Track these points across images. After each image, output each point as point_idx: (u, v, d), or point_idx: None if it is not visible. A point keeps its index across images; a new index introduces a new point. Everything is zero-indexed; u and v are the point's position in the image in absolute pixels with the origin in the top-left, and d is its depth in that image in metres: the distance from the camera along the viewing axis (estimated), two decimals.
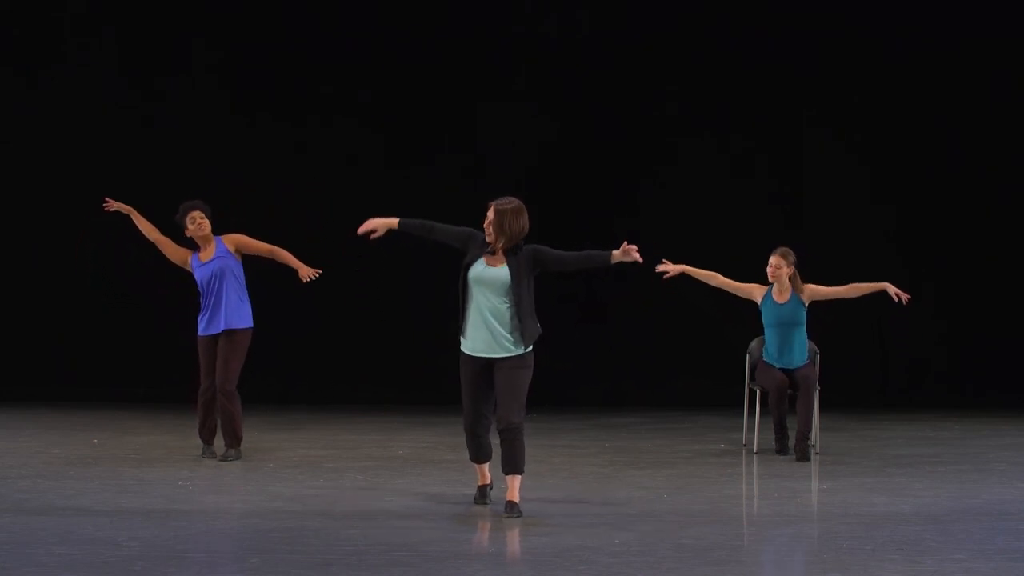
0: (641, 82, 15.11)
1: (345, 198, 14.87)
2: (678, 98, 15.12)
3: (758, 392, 11.36)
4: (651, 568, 6.93)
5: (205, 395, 10.51)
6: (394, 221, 8.67)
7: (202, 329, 10.51)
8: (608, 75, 15.11)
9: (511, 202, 8.34)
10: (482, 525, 8.23)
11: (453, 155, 15.08)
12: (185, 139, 14.94)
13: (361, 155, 15.08)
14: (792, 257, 11.09)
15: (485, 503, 8.69)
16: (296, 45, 15.07)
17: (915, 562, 7.08)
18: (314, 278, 10.51)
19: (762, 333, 11.26)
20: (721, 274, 11.17)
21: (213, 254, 10.47)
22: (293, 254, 10.65)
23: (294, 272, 10.62)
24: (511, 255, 8.33)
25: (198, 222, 10.47)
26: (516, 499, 8.36)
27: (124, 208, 10.74)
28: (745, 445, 11.45)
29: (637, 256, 8.33)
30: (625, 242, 8.35)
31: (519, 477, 8.40)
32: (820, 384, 11.13)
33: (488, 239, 8.34)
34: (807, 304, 11.08)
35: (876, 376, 15.14)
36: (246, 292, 10.55)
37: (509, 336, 8.30)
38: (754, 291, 11.19)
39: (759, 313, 11.21)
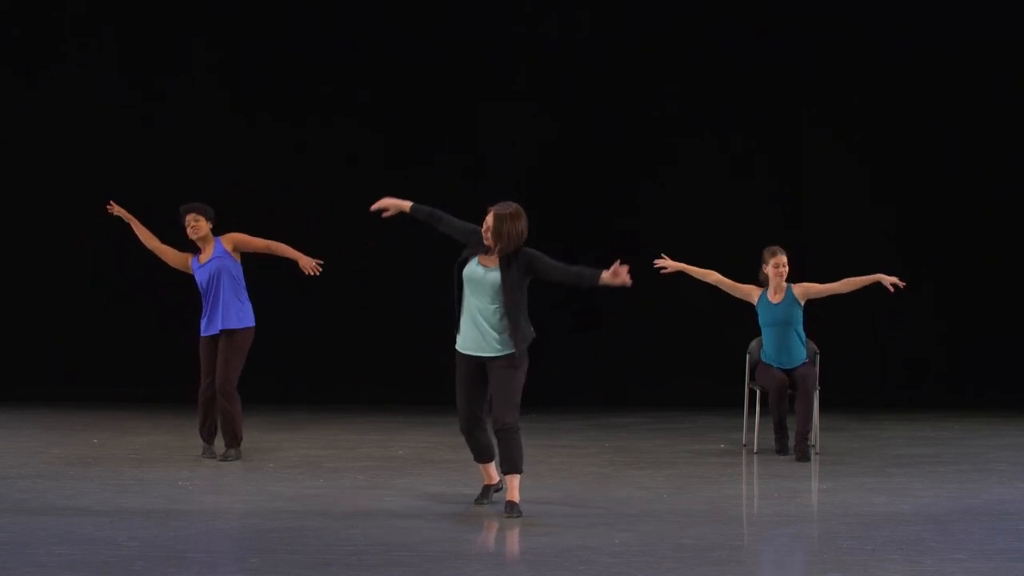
0: (641, 82, 15.11)
1: (345, 198, 14.84)
2: (678, 98, 15.12)
3: (758, 392, 11.36)
4: (651, 568, 6.93)
5: (204, 395, 10.52)
6: (407, 204, 8.70)
7: (202, 330, 10.52)
8: (608, 75, 15.11)
9: (510, 207, 8.32)
10: (484, 525, 8.22)
11: (453, 155, 15.08)
12: (185, 139, 14.94)
13: (361, 155, 15.08)
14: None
15: (483, 503, 8.67)
16: (296, 45, 15.07)
17: (915, 562, 7.08)
18: (317, 272, 10.47)
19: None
20: (719, 274, 11.19)
21: (211, 255, 10.47)
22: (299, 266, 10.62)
23: (294, 272, 10.61)
24: (505, 258, 8.30)
25: (192, 225, 10.47)
26: (516, 499, 8.35)
27: (126, 216, 10.74)
28: (745, 445, 11.45)
29: (626, 279, 8.23)
30: (618, 262, 8.26)
31: (518, 476, 8.39)
32: (820, 384, 11.13)
33: (486, 242, 8.33)
34: (803, 303, 11.08)
35: (875, 376, 15.15)
36: (245, 292, 10.54)
37: (498, 337, 8.29)
38: (752, 292, 11.19)
39: (757, 314, 11.23)
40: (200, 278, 10.50)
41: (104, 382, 14.81)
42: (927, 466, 10.56)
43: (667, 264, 11.01)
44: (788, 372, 11.09)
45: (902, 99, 15.02)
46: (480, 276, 8.31)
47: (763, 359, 11.23)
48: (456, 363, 8.46)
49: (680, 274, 11.23)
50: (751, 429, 11.36)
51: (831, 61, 15.00)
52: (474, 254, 8.37)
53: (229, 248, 10.46)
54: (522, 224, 8.30)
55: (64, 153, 15.02)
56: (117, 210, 10.76)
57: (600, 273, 8.30)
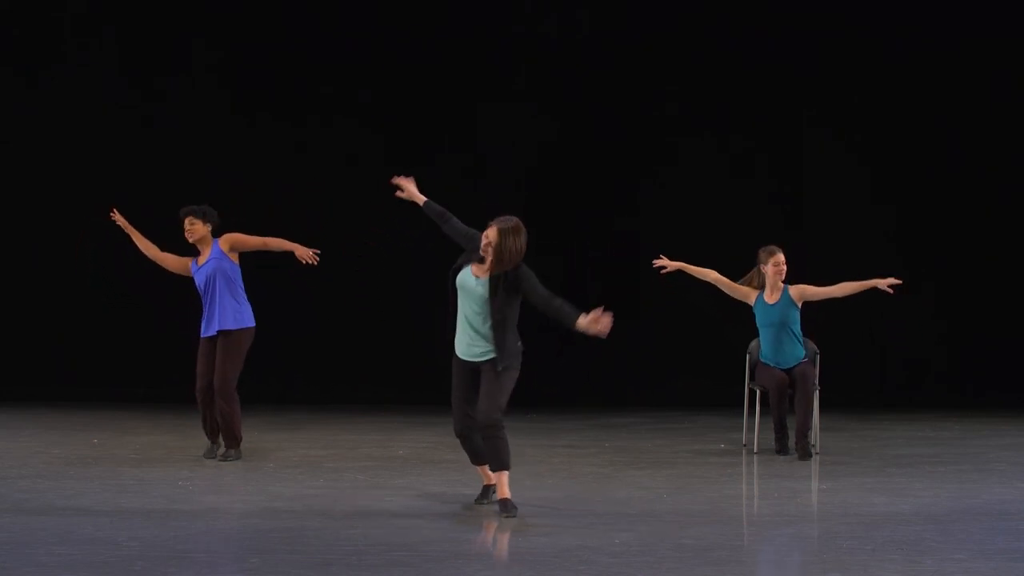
0: (641, 82, 15.11)
1: (345, 198, 14.88)
2: (678, 98, 15.12)
3: (758, 392, 11.36)
4: (651, 568, 6.93)
5: (200, 393, 10.52)
6: (421, 199, 8.83)
7: (202, 332, 10.53)
8: (608, 75, 15.12)
9: (511, 221, 8.28)
10: (484, 525, 8.22)
11: (453, 155, 15.08)
12: (185, 139, 14.94)
13: (361, 155, 15.08)
14: None
15: (483, 503, 8.67)
16: (296, 45, 15.07)
17: (915, 562, 7.08)
18: (314, 261, 10.44)
19: None
20: (718, 273, 11.20)
21: (208, 257, 10.48)
22: (293, 255, 10.60)
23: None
24: (497, 271, 8.28)
25: (188, 228, 10.48)
26: (507, 495, 8.33)
27: (126, 226, 10.76)
28: (745, 445, 11.45)
29: (604, 329, 8.11)
30: (600, 309, 8.16)
31: (506, 473, 8.37)
32: (820, 384, 11.13)
33: (483, 254, 8.31)
34: (799, 305, 11.08)
35: (875, 376, 15.15)
36: (242, 292, 10.51)
37: (488, 343, 8.31)
38: (749, 293, 11.19)
39: (754, 315, 11.23)
40: (198, 280, 10.51)
41: (104, 382, 14.81)
42: (927, 466, 10.56)
43: (666, 264, 11.05)
44: (787, 371, 11.09)
45: (902, 99, 15.02)
46: (471, 286, 8.33)
47: (761, 359, 11.24)
48: (452, 366, 8.51)
49: (680, 274, 11.24)
50: (751, 429, 11.35)
51: (831, 61, 15.00)
52: (468, 261, 8.38)
53: (226, 249, 10.45)
54: (522, 240, 8.26)
55: (64, 153, 15.02)
56: (119, 219, 10.77)
57: (579, 316, 8.17)
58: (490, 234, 8.26)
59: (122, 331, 14.90)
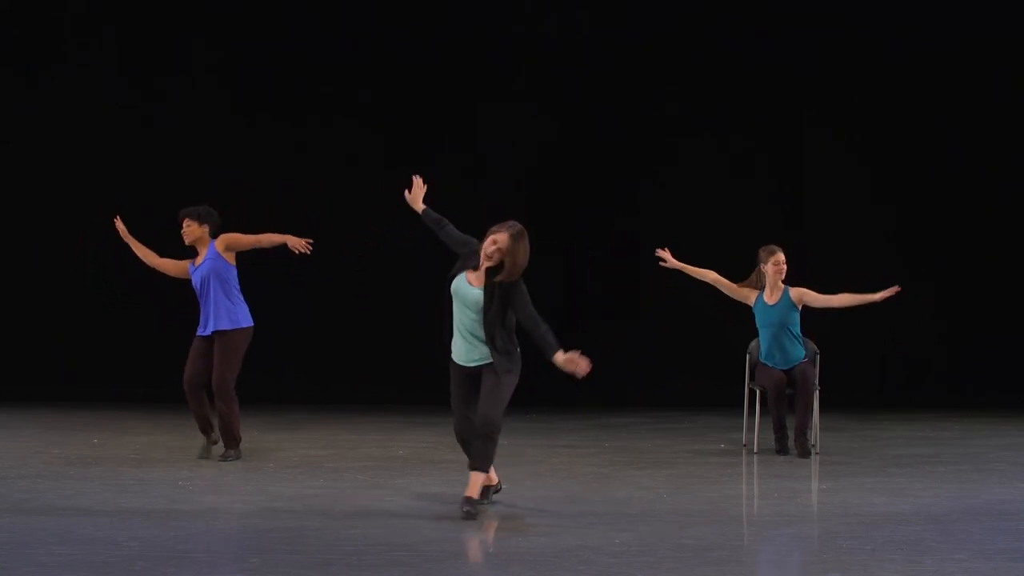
0: (641, 82, 15.11)
1: (345, 198, 14.89)
2: (678, 98, 15.13)
3: (758, 392, 11.36)
4: (651, 568, 6.93)
5: (187, 385, 10.52)
6: (420, 207, 8.81)
7: (198, 332, 10.55)
8: (608, 75, 15.12)
9: (516, 226, 8.22)
10: (485, 525, 8.22)
11: (453, 155, 15.08)
12: (185, 139, 14.94)
13: (361, 155, 15.09)
14: None
15: (483, 503, 8.65)
16: (296, 45, 15.08)
17: (915, 562, 7.08)
18: (307, 250, 10.41)
19: None
20: (717, 273, 11.21)
21: (204, 258, 10.49)
22: (292, 254, 10.59)
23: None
24: (492, 277, 8.21)
25: (184, 230, 10.51)
26: (475, 495, 8.25)
27: (126, 237, 10.78)
28: (745, 445, 11.45)
29: (580, 370, 8.02)
30: (579, 353, 8.07)
31: (482, 475, 8.31)
32: (820, 384, 11.13)
33: (486, 260, 8.22)
34: (799, 307, 11.08)
35: (875, 376, 15.15)
36: (236, 292, 10.49)
37: (484, 349, 8.27)
38: (749, 294, 11.19)
39: (754, 315, 11.23)
40: (194, 281, 10.53)
41: (104, 382, 14.82)
42: (927, 466, 10.56)
43: (667, 259, 11.05)
44: (787, 371, 11.10)
45: (902, 99, 15.02)
46: (465, 292, 8.29)
47: (761, 359, 11.24)
48: (449, 371, 8.48)
49: (680, 273, 11.24)
50: (751, 429, 11.35)
51: (831, 61, 15.00)
52: (463, 268, 8.34)
53: (221, 250, 10.45)
54: (527, 244, 8.24)
55: (64, 153, 15.02)
56: (120, 229, 10.79)
57: (558, 351, 8.07)
58: (500, 239, 8.17)
59: (122, 331, 14.90)
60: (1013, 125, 14.95)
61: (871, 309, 11.06)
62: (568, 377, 8.16)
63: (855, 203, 15.06)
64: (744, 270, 11.30)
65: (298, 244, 10.41)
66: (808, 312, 11.16)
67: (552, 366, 8.14)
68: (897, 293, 10.93)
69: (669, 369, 14.94)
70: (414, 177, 8.87)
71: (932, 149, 15.01)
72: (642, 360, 14.92)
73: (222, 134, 14.98)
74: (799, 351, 11.12)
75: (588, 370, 8.05)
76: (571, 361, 8.06)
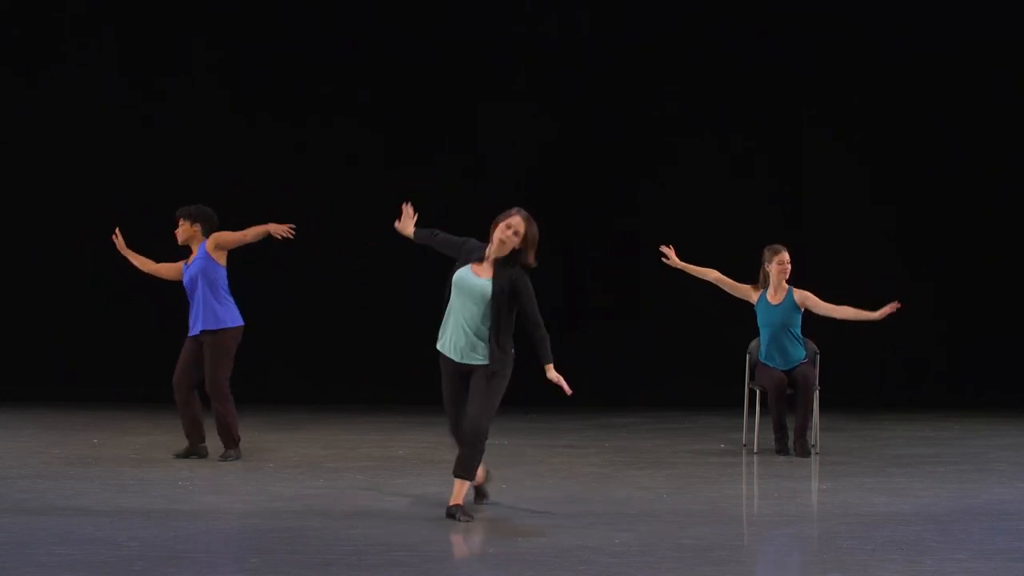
0: (641, 82, 15.12)
1: (345, 198, 14.89)
2: (678, 98, 15.13)
3: (758, 392, 11.36)
4: (651, 568, 6.93)
5: (175, 387, 10.54)
6: (411, 231, 8.64)
7: (189, 333, 10.57)
8: (608, 75, 15.12)
9: (523, 211, 8.20)
10: (484, 526, 8.22)
11: (453, 155, 15.09)
12: (185, 139, 14.94)
13: (361, 155, 15.09)
14: None
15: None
16: (296, 45, 15.08)
17: (915, 562, 7.08)
18: (290, 235, 10.37)
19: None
20: (719, 272, 11.22)
21: (194, 258, 10.50)
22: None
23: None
24: (500, 269, 8.15)
25: (177, 229, 10.52)
26: (460, 502, 8.17)
27: (123, 250, 10.81)
28: (745, 445, 11.45)
29: (565, 390, 8.06)
30: (564, 382, 8.06)
31: (467, 484, 8.19)
32: (820, 384, 11.13)
33: (502, 247, 8.14)
34: (802, 309, 11.08)
35: (875, 376, 15.15)
36: (224, 293, 10.46)
37: (483, 346, 8.15)
38: (751, 292, 11.20)
39: (756, 314, 11.23)
40: (185, 281, 10.55)
41: (104, 382, 14.81)
42: (927, 466, 10.56)
43: (671, 256, 11.06)
44: (787, 372, 11.10)
45: (902, 99, 15.02)
46: (471, 284, 8.16)
47: (761, 359, 11.24)
48: (440, 366, 8.32)
49: (680, 273, 11.25)
50: (751, 429, 11.35)
51: (831, 61, 15.00)
52: (467, 262, 8.24)
53: (211, 249, 10.44)
54: (536, 227, 8.23)
55: (64, 153, 15.02)
56: (119, 245, 10.82)
57: (548, 364, 8.12)
58: (514, 223, 8.11)
59: (122, 331, 14.90)
60: (1013, 125, 14.96)
61: (871, 309, 11.06)
62: (568, 377, 8.16)
63: (855, 203, 15.06)
64: (744, 270, 11.30)
65: (280, 230, 10.37)
66: (809, 313, 11.15)
67: (554, 364, 8.13)
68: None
69: (669, 369, 14.94)
70: (404, 206, 8.74)
71: (932, 149, 15.01)
72: (642, 360, 14.92)
73: (222, 134, 14.98)
74: (799, 352, 11.13)
75: (569, 393, 8.06)
76: (559, 380, 8.09)
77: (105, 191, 14.75)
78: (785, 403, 11.03)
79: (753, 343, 11.38)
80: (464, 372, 8.25)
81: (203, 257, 10.43)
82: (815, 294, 11.09)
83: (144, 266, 10.86)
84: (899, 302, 10.87)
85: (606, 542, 7.50)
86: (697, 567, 6.98)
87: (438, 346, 8.31)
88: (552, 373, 8.13)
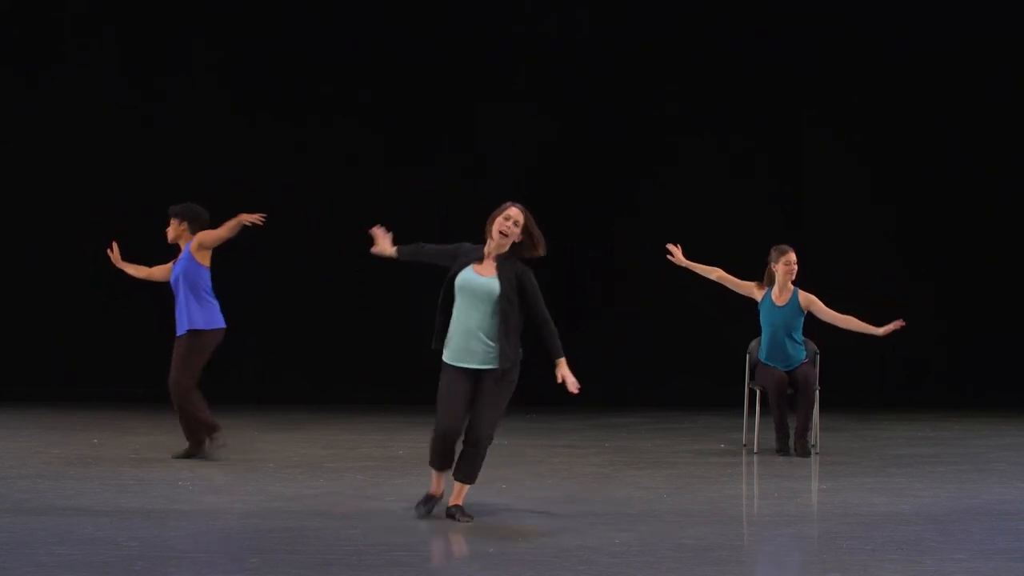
0: (641, 82, 15.11)
1: (345, 198, 14.87)
2: (678, 98, 15.13)
3: (758, 392, 11.36)
4: (651, 568, 6.93)
5: (169, 388, 10.55)
6: (391, 250, 8.60)
7: (176, 331, 10.61)
8: (608, 75, 15.12)
9: (517, 203, 8.18)
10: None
11: (453, 155, 15.08)
12: (185, 139, 14.94)
13: (361, 155, 15.08)
14: None
15: (429, 514, 8.22)
16: (296, 45, 15.07)
17: (915, 562, 7.08)
18: (260, 222, 10.34)
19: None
20: (723, 270, 11.22)
21: (179, 258, 10.51)
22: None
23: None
24: (502, 266, 8.09)
25: (167, 229, 10.53)
26: (460, 502, 8.13)
27: (119, 263, 10.84)
28: (745, 445, 11.45)
29: (571, 388, 8.03)
30: (575, 383, 8.05)
31: (468, 487, 8.16)
32: (820, 384, 11.13)
33: (504, 239, 8.08)
34: (805, 312, 11.07)
35: (875, 376, 15.15)
36: (206, 294, 10.43)
37: (492, 347, 8.03)
38: (754, 289, 11.20)
39: (759, 312, 11.22)
40: (171, 280, 10.56)
41: (104, 382, 14.81)
42: (927, 466, 10.56)
43: (676, 255, 11.05)
44: (788, 372, 11.09)
45: (902, 99, 15.02)
46: (476, 284, 8.06)
47: (761, 359, 11.24)
48: (442, 372, 8.17)
49: (680, 273, 11.24)
50: (751, 429, 11.35)
51: (831, 61, 15.00)
52: (466, 263, 8.14)
53: (194, 249, 10.43)
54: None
55: (64, 153, 15.01)
56: (115, 259, 10.84)
57: (559, 359, 8.07)
58: (513, 213, 8.07)
59: (122, 331, 14.89)
60: (1013, 125, 14.96)
61: (871, 309, 11.07)
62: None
63: (855, 203, 15.06)
64: (745, 270, 11.30)
65: (250, 218, 10.33)
66: (811, 315, 11.15)
67: (550, 367, 8.12)
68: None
69: (669, 369, 14.94)
70: (372, 230, 8.68)
71: (932, 149, 15.01)
72: (642, 360, 14.91)
73: (222, 134, 14.97)
74: (800, 353, 11.13)
75: (576, 390, 8.02)
76: (568, 377, 8.04)
77: (105, 191, 14.75)
78: (785, 403, 11.03)
79: (753, 343, 11.38)
80: (473, 375, 8.09)
81: (186, 258, 10.45)
82: (816, 295, 11.09)
83: (139, 273, 10.89)
84: (903, 320, 10.86)
85: (606, 542, 7.50)
86: (697, 567, 6.98)
87: (445, 357, 8.16)
88: (563, 368, 8.06)
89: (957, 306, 15.09)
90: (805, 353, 11.15)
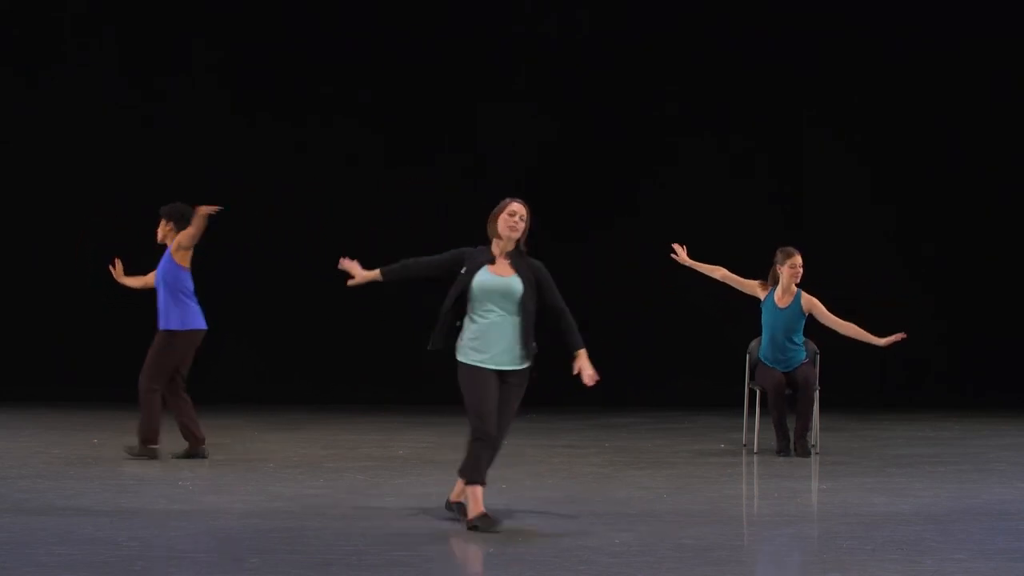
0: (641, 82, 15.11)
1: (345, 198, 14.88)
2: (678, 98, 15.13)
3: (758, 392, 11.36)
4: (651, 568, 6.93)
5: (166, 393, 10.55)
6: (375, 273, 8.43)
7: None
8: (608, 75, 15.12)
9: (514, 198, 8.17)
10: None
11: (453, 155, 15.08)
12: (185, 139, 14.94)
13: (361, 155, 15.08)
14: None
15: (498, 525, 7.98)
16: (296, 45, 15.07)
17: (915, 562, 7.08)
18: (213, 212, 10.32)
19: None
20: (726, 270, 11.22)
21: (162, 258, 10.52)
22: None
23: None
24: (517, 264, 8.04)
25: (157, 229, 10.55)
26: (461, 500, 8.06)
27: (122, 279, 10.88)
28: (745, 445, 11.45)
29: (588, 380, 8.00)
30: (593, 374, 8.01)
31: (482, 488, 7.94)
32: (820, 384, 11.13)
33: (513, 232, 7.98)
34: (807, 315, 11.07)
35: (875, 376, 15.15)
36: (183, 295, 10.41)
37: (517, 347, 7.96)
38: (758, 288, 11.19)
39: (760, 312, 11.22)
40: (155, 281, 10.59)
41: (104, 382, 14.79)
42: (927, 466, 10.56)
43: (680, 254, 11.06)
44: (788, 373, 11.09)
45: (902, 99, 15.02)
46: (499, 284, 7.95)
47: (761, 359, 11.24)
48: (469, 375, 7.93)
49: (682, 271, 11.24)
50: (751, 429, 11.35)
51: (831, 61, 15.00)
52: (478, 266, 8.01)
53: (173, 250, 10.44)
54: None
55: (64, 153, 15.01)
56: (117, 275, 10.86)
57: (579, 350, 8.03)
58: (517, 208, 8.02)
59: (122, 331, 14.87)
60: (1013, 125, 14.96)
61: (871, 309, 11.07)
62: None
63: (855, 203, 15.06)
64: (745, 270, 11.30)
65: (208, 210, 10.31)
66: (812, 318, 11.13)
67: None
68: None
69: (669, 369, 14.93)
70: (341, 264, 8.59)
71: (932, 149, 15.01)
72: (642, 360, 14.91)
73: (222, 134, 14.97)
74: (800, 354, 11.13)
75: (592, 383, 7.98)
76: (585, 369, 8.00)
77: (105, 191, 14.75)
78: (785, 403, 11.03)
79: (753, 343, 11.38)
80: (500, 376, 7.97)
81: (167, 259, 10.48)
82: (816, 295, 11.08)
83: (139, 284, 10.93)
84: (905, 333, 10.85)
85: (606, 542, 7.50)
86: (697, 567, 6.98)
87: (471, 360, 7.94)
88: (583, 359, 8.02)
89: (957, 306, 15.09)
90: (805, 354, 11.15)
